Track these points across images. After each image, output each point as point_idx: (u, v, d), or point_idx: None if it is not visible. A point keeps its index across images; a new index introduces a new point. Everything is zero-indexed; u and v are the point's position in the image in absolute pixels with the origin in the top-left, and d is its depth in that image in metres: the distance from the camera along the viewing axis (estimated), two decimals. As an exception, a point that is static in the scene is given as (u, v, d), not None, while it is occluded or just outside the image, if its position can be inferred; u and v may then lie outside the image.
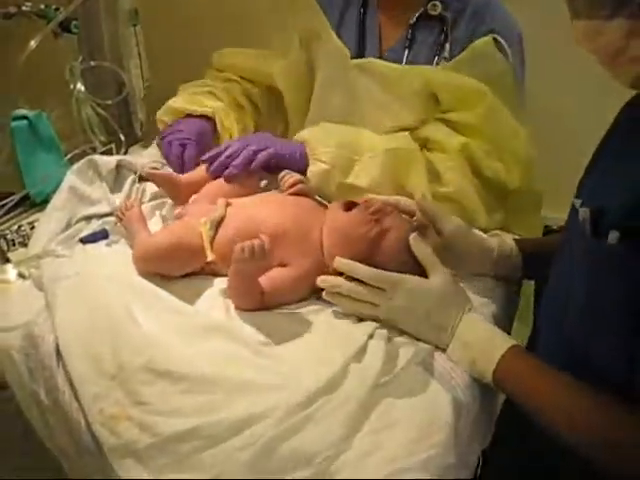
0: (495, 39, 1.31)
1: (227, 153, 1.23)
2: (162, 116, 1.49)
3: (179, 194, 1.26)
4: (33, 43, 1.33)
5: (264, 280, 1.02)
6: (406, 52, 1.41)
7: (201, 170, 1.27)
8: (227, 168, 1.22)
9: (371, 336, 0.97)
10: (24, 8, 1.39)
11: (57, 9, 1.39)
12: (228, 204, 1.13)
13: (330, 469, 0.79)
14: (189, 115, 1.46)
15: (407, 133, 1.33)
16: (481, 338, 0.96)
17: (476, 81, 1.29)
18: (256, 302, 1.02)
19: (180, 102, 1.48)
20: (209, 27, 1.76)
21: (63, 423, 0.92)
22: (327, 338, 0.98)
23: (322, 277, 1.01)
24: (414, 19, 1.40)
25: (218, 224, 1.09)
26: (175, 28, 1.73)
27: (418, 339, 0.99)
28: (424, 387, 0.91)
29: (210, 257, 1.06)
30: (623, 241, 0.79)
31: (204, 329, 0.96)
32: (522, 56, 1.39)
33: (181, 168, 1.36)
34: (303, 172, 1.24)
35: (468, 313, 0.99)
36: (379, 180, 1.23)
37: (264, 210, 1.11)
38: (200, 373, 0.87)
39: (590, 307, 0.86)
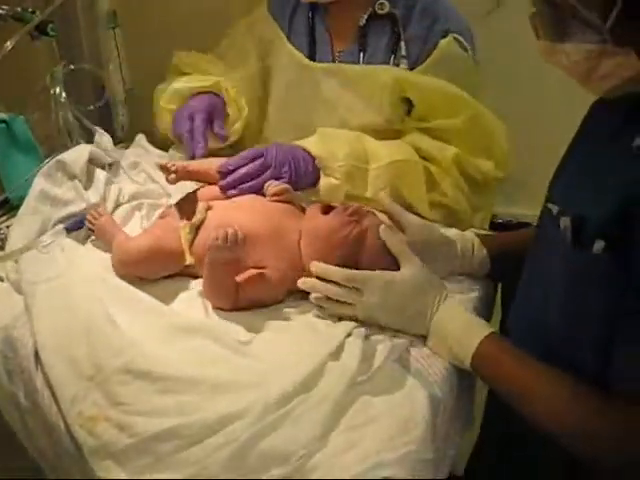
0: (456, 38, 1.34)
1: (243, 172, 1.21)
2: (167, 104, 1.47)
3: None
4: (8, 44, 1.32)
5: (239, 277, 1.02)
6: (361, 54, 1.41)
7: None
8: (236, 185, 1.20)
9: (349, 334, 0.98)
10: (0, 11, 1.39)
11: (34, 12, 1.39)
12: (209, 207, 1.14)
13: (306, 467, 0.80)
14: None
15: (400, 140, 1.36)
16: (459, 324, 0.97)
17: (454, 86, 1.32)
18: (231, 299, 1.02)
19: (182, 83, 1.47)
20: (189, 29, 1.75)
21: (42, 425, 0.93)
22: (305, 337, 0.99)
23: (302, 279, 1.03)
24: (364, 20, 1.40)
25: (198, 228, 1.10)
26: (155, 30, 1.73)
27: (398, 332, 1.00)
28: (401, 384, 0.91)
29: (189, 260, 1.08)
30: (608, 250, 0.80)
31: (183, 329, 0.96)
32: (474, 51, 1.41)
33: (192, 141, 1.36)
34: (314, 184, 1.26)
35: (445, 300, 1.00)
36: (382, 190, 1.26)
37: (243, 214, 1.11)
38: (179, 373, 0.88)
39: (569, 312, 0.87)
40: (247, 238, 1.00)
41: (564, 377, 0.87)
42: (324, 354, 0.92)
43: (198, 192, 1.21)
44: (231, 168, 1.21)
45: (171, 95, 1.47)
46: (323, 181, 1.26)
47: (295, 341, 0.98)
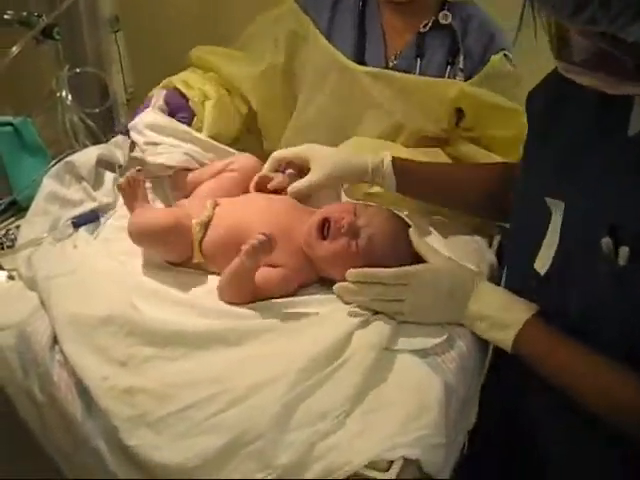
0: (506, 55, 1.38)
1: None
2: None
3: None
4: (15, 49, 1.34)
5: (259, 277, 1.05)
6: (418, 61, 1.43)
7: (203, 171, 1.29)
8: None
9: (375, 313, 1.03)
10: (6, 16, 1.40)
11: (39, 16, 1.40)
12: (216, 204, 1.15)
13: (323, 448, 0.82)
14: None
15: (439, 149, 1.39)
16: (499, 307, 0.99)
17: (508, 101, 1.35)
18: (249, 297, 1.04)
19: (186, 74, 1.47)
20: (191, 32, 1.78)
21: (59, 418, 0.94)
22: (329, 317, 1.03)
23: (341, 285, 1.05)
24: (427, 27, 1.42)
25: (206, 226, 1.11)
26: (156, 34, 1.75)
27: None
28: (416, 371, 0.94)
29: (197, 259, 1.10)
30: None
31: (207, 313, 0.99)
32: None
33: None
34: None
35: (483, 282, 1.03)
36: None
37: (251, 212, 1.13)
38: (210, 348, 0.93)
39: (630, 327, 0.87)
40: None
41: (617, 363, 0.87)
42: (352, 324, 0.97)
43: (196, 190, 1.25)
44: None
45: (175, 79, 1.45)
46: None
47: (319, 321, 1.01)
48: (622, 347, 0.87)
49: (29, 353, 0.97)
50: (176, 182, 1.30)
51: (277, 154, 1.25)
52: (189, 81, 1.43)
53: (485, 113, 1.36)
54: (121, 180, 1.17)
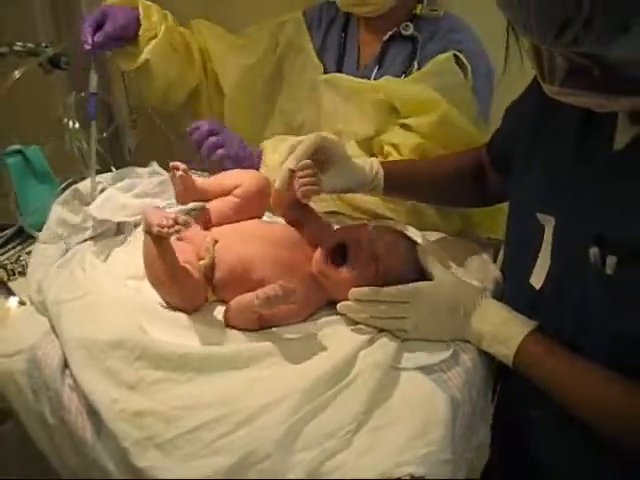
0: (456, 55, 1.40)
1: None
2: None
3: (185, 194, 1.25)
4: (17, 73, 1.37)
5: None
6: (376, 68, 1.50)
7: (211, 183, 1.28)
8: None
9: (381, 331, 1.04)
10: (15, 47, 1.44)
11: (47, 47, 1.44)
12: (215, 242, 1.13)
13: (330, 466, 0.83)
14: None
15: (353, 142, 1.41)
16: (501, 322, 1.00)
17: (431, 90, 1.36)
18: (252, 328, 1.04)
19: None
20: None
21: (70, 441, 0.94)
22: (335, 337, 1.04)
23: (344, 304, 1.05)
24: (386, 37, 1.50)
25: (212, 267, 1.10)
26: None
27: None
28: (422, 387, 0.95)
29: (212, 298, 1.10)
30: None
31: (215, 337, 1.01)
32: (489, 87, 1.46)
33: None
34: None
35: (486, 299, 1.04)
36: None
37: (252, 248, 1.11)
38: (218, 370, 0.94)
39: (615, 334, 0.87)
40: (263, 278, 1.05)
41: (613, 374, 0.88)
42: (357, 343, 0.98)
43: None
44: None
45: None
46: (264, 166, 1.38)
47: (324, 342, 1.02)
48: (615, 357, 0.87)
49: (40, 377, 0.98)
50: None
51: (301, 154, 1.11)
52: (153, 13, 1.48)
53: (407, 101, 1.38)
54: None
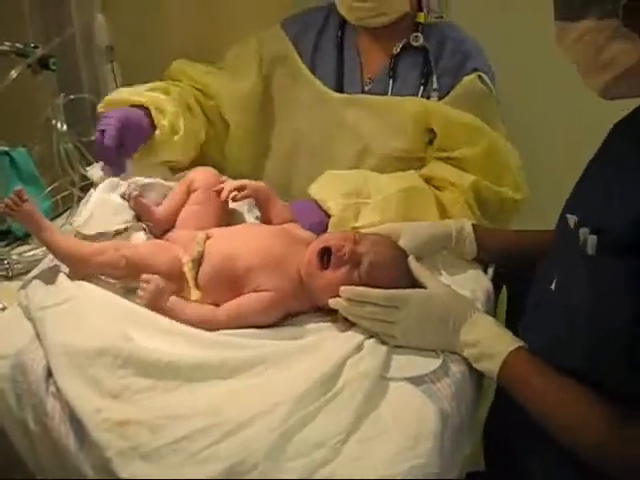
0: (480, 76, 1.42)
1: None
2: (100, 108, 1.43)
3: (156, 225, 1.26)
4: (13, 73, 1.35)
5: (233, 304, 1.07)
6: (391, 83, 1.46)
7: (174, 198, 1.29)
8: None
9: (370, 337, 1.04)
10: (3, 47, 1.42)
11: (36, 47, 1.42)
12: (208, 237, 1.15)
13: (319, 477, 0.82)
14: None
15: (413, 171, 1.41)
16: (489, 335, 1.01)
17: (476, 119, 1.38)
18: (217, 326, 1.05)
19: (117, 94, 1.44)
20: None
21: (52, 450, 0.93)
22: (324, 343, 1.04)
23: (335, 300, 1.05)
24: (398, 49, 1.46)
25: (199, 262, 1.11)
26: (151, 62, 1.77)
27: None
28: (411, 398, 0.94)
29: (195, 296, 1.09)
30: (632, 259, 0.82)
31: (203, 344, 1.00)
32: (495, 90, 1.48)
33: (101, 154, 1.32)
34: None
35: (477, 313, 1.04)
36: (393, 219, 1.29)
37: (242, 244, 1.13)
38: (205, 380, 0.93)
39: (593, 325, 0.87)
40: (249, 268, 1.08)
41: (584, 392, 0.89)
42: (345, 351, 0.98)
43: (179, 219, 1.25)
44: None
45: (105, 104, 1.43)
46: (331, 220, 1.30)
47: (312, 350, 1.02)
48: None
49: (24, 383, 0.97)
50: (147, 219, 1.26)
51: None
52: (165, 108, 1.42)
53: (452, 130, 1.39)
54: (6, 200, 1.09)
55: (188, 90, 1.53)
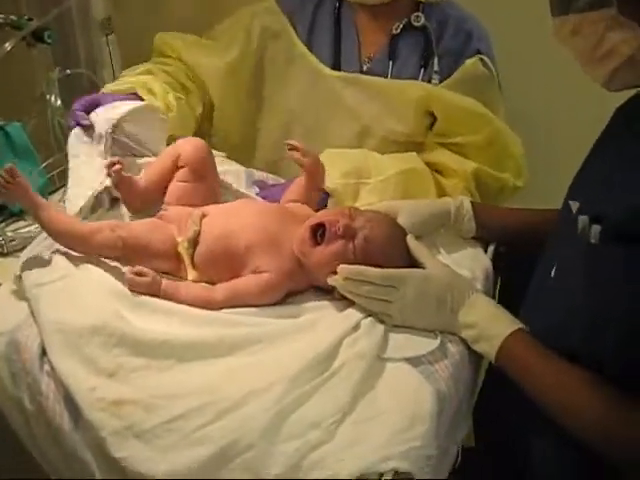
0: (482, 59, 1.39)
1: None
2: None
3: (138, 197, 1.21)
4: (7, 46, 1.33)
5: (230, 285, 1.05)
6: (390, 64, 1.44)
7: (158, 172, 1.23)
8: None
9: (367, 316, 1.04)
10: (-3, 20, 1.40)
11: (30, 19, 1.40)
12: (203, 215, 1.13)
13: (313, 459, 0.81)
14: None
15: (414, 153, 1.39)
16: (488, 316, 1.00)
17: (479, 104, 1.36)
18: (214, 306, 1.03)
19: (108, 86, 1.39)
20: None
21: (46, 429, 0.93)
22: (321, 322, 1.03)
23: (333, 278, 1.04)
24: (398, 29, 1.43)
25: (195, 241, 1.09)
26: (148, 37, 1.74)
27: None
28: (408, 379, 0.94)
29: (192, 276, 1.08)
30: (630, 247, 0.81)
31: (197, 323, 0.99)
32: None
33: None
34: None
35: (475, 293, 1.03)
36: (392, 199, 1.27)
37: (239, 222, 1.11)
38: (200, 359, 0.93)
39: (592, 312, 0.87)
40: (247, 247, 1.06)
41: (586, 375, 0.89)
42: (341, 330, 0.97)
43: (168, 194, 1.21)
44: None
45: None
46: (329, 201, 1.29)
47: (308, 329, 1.01)
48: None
49: (19, 362, 0.96)
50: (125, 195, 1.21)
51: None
52: (152, 88, 1.38)
53: (454, 116, 1.37)
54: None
55: (179, 67, 1.50)
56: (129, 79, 1.40)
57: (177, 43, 1.52)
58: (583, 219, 0.86)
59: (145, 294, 1.02)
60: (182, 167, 1.21)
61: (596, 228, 0.84)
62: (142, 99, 1.34)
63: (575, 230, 0.88)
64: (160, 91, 1.38)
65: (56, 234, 1.07)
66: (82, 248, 1.07)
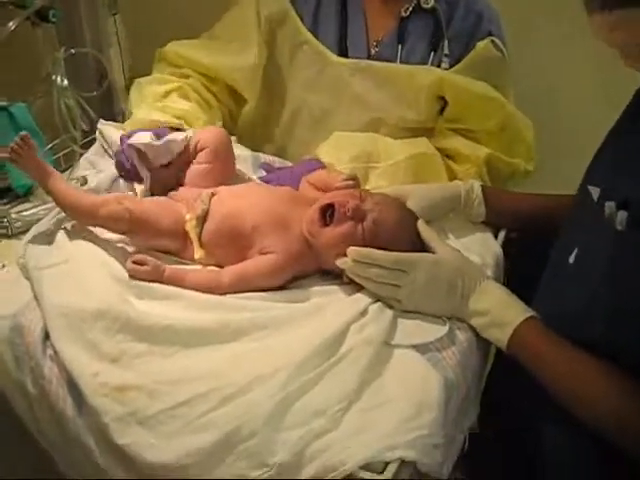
0: (493, 41, 1.35)
1: None
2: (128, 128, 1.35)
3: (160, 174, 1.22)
4: (11, 24, 1.31)
5: (237, 268, 1.04)
6: (399, 47, 1.40)
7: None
8: None
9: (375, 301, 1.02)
10: (1, -2, 1.37)
11: (35, -2, 1.37)
12: (213, 194, 1.12)
13: (319, 447, 0.80)
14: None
15: (424, 138, 1.36)
16: (499, 306, 0.99)
17: (490, 89, 1.33)
18: (221, 290, 1.02)
19: (143, 111, 1.37)
20: (192, 16, 1.74)
21: (50, 413, 0.92)
22: (328, 307, 1.02)
23: (342, 260, 1.03)
24: (407, 12, 1.39)
25: (204, 219, 1.09)
26: (155, 17, 1.72)
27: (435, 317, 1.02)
28: (416, 367, 0.92)
29: (199, 255, 1.07)
30: None
31: (202, 307, 0.98)
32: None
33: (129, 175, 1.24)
34: None
35: (487, 280, 1.01)
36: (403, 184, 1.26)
37: (247, 201, 1.11)
38: (205, 345, 0.92)
39: (617, 299, 0.86)
40: (255, 227, 1.04)
41: (600, 365, 0.88)
42: (349, 316, 0.96)
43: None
44: None
45: (133, 123, 1.36)
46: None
47: (315, 314, 0.99)
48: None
49: (22, 345, 0.95)
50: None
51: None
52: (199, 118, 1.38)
53: (466, 101, 1.34)
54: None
55: (197, 80, 1.46)
56: (177, 106, 1.38)
57: (190, 53, 1.47)
58: (610, 205, 0.84)
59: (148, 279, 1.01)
60: (202, 150, 1.21)
61: (622, 214, 0.82)
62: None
63: (599, 216, 0.86)
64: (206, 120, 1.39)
65: (63, 204, 1.07)
66: (89, 220, 1.07)
